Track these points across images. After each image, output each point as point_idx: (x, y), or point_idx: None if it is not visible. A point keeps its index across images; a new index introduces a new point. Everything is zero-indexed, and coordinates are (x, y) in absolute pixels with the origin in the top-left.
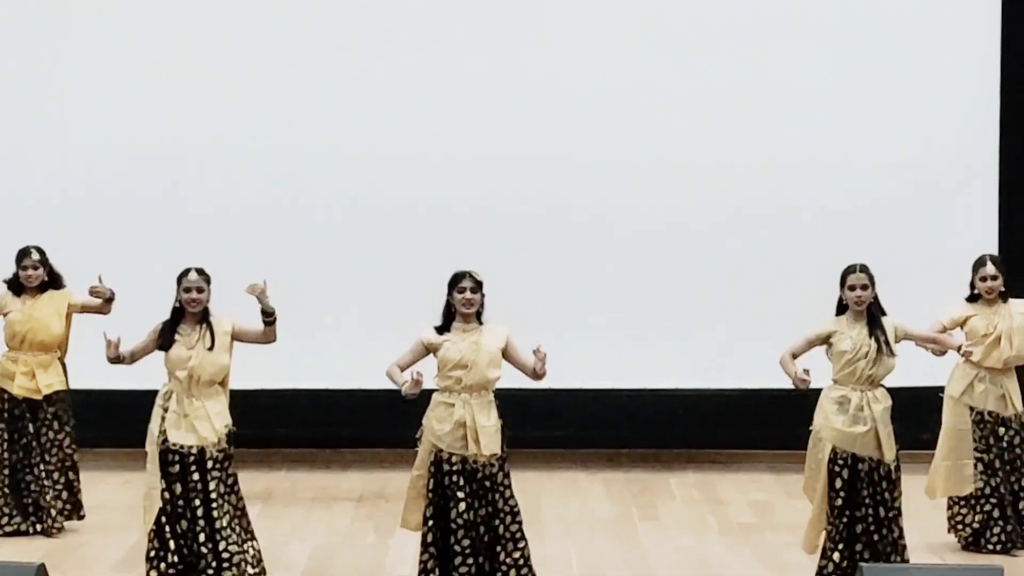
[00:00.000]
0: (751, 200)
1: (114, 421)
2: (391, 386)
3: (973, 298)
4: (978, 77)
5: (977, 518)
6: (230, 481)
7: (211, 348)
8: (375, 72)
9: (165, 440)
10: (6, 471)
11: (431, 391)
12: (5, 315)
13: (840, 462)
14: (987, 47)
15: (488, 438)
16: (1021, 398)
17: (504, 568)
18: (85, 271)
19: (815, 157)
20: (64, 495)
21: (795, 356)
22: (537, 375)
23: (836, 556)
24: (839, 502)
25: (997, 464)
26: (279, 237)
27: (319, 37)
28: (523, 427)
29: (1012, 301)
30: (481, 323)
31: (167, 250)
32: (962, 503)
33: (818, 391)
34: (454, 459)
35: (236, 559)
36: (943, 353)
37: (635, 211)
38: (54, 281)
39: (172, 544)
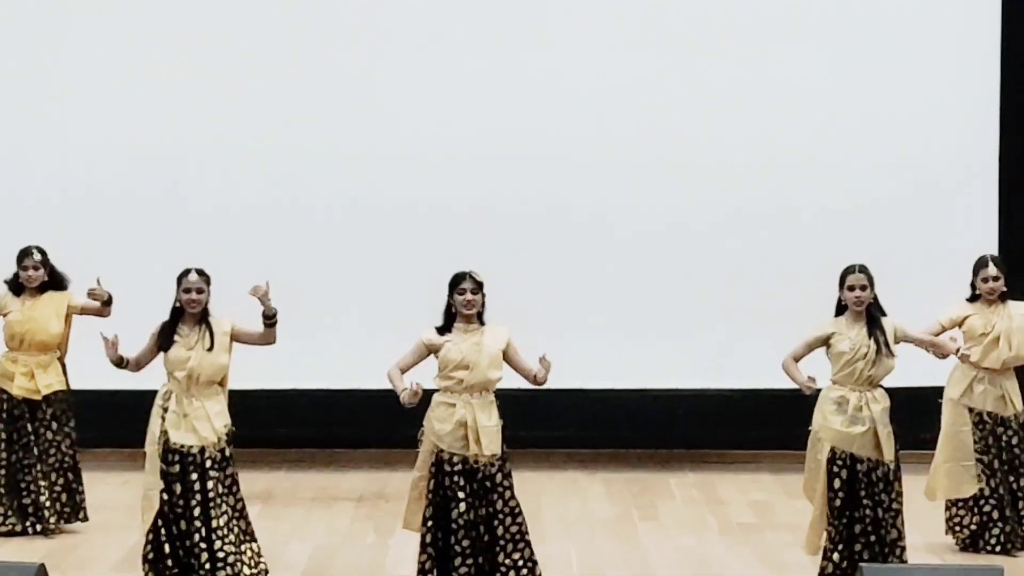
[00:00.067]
0: (751, 200)
1: (114, 421)
2: (391, 386)
3: (973, 298)
4: (978, 77)
5: (975, 520)
6: (228, 482)
7: (210, 349)
8: (375, 72)
9: (167, 440)
10: (2, 471)
11: (432, 391)
12: (5, 315)
13: (839, 462)
14: (987, 47)
15: (489, 438)
16: (1021, 398)
17: (503, 569)
18: (85, 271)
19: (815, 157)
20: (63, 497)
21: (797, 360)
22: (537, 381)
23: (836, 556)
24: (838, 502)
25: (996, 465)
26: (279, 237)
27: (319, 37)
28: (523, 427)
29: (1012, 303)
30: (482, 323)
31: (167, 250)
32: (960, 504)
33: (818, 391)
34: (455, 459)
35: (231, 559)
36: (945, 356)
37: (635, 211)
38: (55, 281)
39: (169, 546)
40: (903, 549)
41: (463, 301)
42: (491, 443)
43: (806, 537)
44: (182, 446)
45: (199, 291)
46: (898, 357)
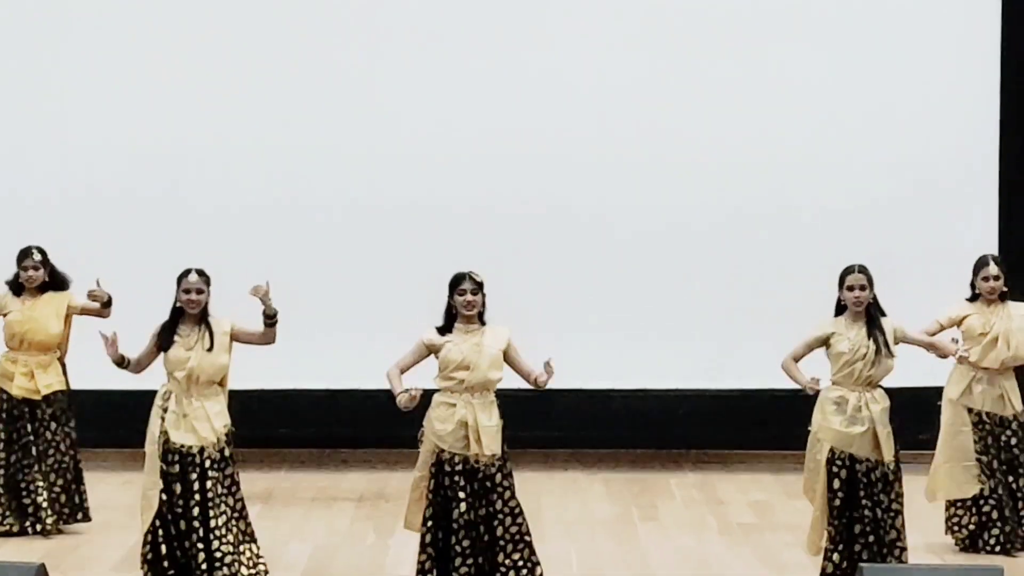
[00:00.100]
0: (751, 200)
1: (114, 421)
2: (389, 386)
3: (973, 298)
4: (978, 77)
5: (973, 520)
6: (228, 482)
7: (210, 349)
8: (375, 72)
9: (166, 440)
10: (1, 471)
11: (431, 392)
12: (5, 315)
13: (838, 462)
14: (987, 47)
15: (490, 438)
16: (1020, 398)
17: (503, 570)
18: (85, 271)
19: (815, 157)
20: (62, 498)
21: (796, 360)
22: (537, 384)
23: (836, 557)
24: (837, 502)
25: (995, 465)
26: (279, 237)
27: (319, 37)
28: (523, 427)
29: (1012, 303)
30: (483, 324)
31: (167, 250)
32: (959, 504)
33: (819, 391)
34: (456, 459)
35: (228, 559)
36: (945, 356)
37: (635, 211)
38: (56, 282)
39: (165, 548)
40: (902, 550)
41: (463, 302)
42: (492, 443)
43: (807, 537)
44: (181, 446)
45: (199, 292)
46: (898, 357)
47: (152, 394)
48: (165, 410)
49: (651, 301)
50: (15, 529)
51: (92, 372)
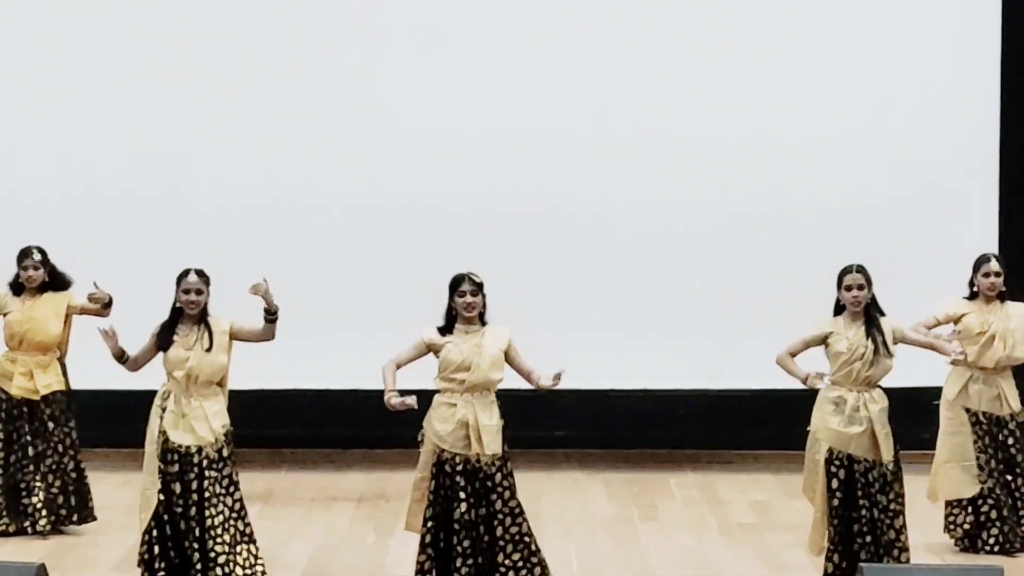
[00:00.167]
0: (751, 200)
1: (114, 421)
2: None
3: (972, 296)
4: (978, 77)
5: (969, 519)
6: (226, 482)
7: (209, 349)
8: (375, 72)
9: (165, 440)
10: (0, 471)
11: (432, 391)
12: (5, 315)
13: (836, 463)
14: (987, 47)
15: (490, 437)
16: (1018, 397)
17: (502, 570)
18: (85, 271)
19: (815, 157)
20: (60, 499)
21: (792, 355)
22: (539, 386)
23: (836, 557)
24: (836, 502)
25: (993, 464)
26: (279, 237)
27: (319, 37)
28: (523, 427)
29: (1010, 303)
30: (484, 324)
31: (167, 250)
32: (956, 504)
33: (818, 391)
34: (457, 459)
35: (222, 559)
36: (948, 355)
37: (635, 211)
38: (56, 281)
39: (159, 548)
40: (902, 550)
41: (463, 303)
42: (492, 442)
43: (809, 538)
44: (180, 446)
45: (198, 292)
46: (897, 357)
47: (152, 394)
48: (164, 410)
49: (651, 301)
50: (12, 529)
51: (92, 372)
